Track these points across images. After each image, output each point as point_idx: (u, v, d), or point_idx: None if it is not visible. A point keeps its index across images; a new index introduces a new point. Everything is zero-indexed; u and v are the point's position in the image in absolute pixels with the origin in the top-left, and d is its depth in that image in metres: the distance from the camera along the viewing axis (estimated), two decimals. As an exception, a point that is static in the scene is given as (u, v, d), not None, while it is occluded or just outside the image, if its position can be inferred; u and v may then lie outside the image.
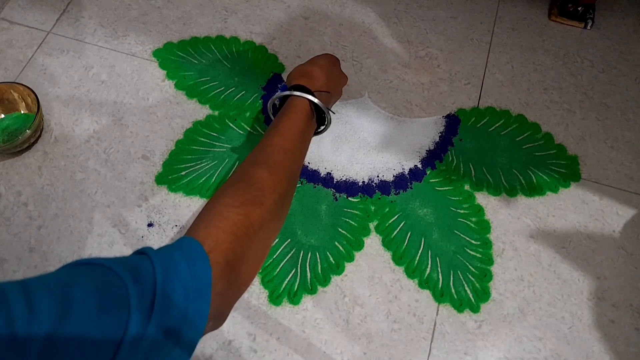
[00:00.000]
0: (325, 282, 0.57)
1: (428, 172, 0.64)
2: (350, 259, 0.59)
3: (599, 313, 0.56)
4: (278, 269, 0.58)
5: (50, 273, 0.27)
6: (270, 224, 0.41)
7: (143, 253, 0.32)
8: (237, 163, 0.64)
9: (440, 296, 0.57)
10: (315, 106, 0.52)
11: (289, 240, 0.60)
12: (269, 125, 0.51)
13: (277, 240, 0.60)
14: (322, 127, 0.57)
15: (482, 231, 0.61)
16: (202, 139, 0.66)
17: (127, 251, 0.59)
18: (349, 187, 0.63)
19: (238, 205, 0.38)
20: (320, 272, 0.58)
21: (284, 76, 0.72)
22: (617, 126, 0.69)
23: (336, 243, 0.60)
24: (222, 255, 0.34)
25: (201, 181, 0.63)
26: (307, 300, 0.57)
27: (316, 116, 0.53)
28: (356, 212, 0.62)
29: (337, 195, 0.63)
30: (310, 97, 0.51)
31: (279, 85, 0.71)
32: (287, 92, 0.52)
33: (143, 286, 0.28)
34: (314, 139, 0.69)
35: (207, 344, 0.54)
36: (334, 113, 0.57)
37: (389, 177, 0.64)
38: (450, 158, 0.65)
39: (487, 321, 0.56)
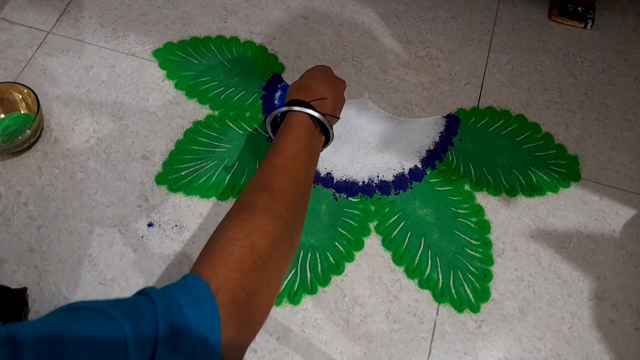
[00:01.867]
0: (325, 282, 0.57)
1: (428, 172, 0.64)
2: (350, 259, 0.59)
3: (599, 313, 0.56)
4: (278, 269, 0.58)
5: (43, 319, 0.25)
6: (280, 252, 0.38)
7: (145, 294, 0.30)
8: (237, 163, 0.64)
9: (440, 296, 0.57)
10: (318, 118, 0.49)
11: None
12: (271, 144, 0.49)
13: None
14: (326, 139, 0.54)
15: (482, 231, 0.61)
16: (202, 139, 0.66)
17: (127, 251, 0.59)
18: (349, 187, 0.63)
19: (242, 237, 0.36)
20: (320, 272, 0.58)
21: (284, 76, 0.72)
22: (617, 126, 0.69)
23: (336, 243, 0.60)
24: (230, 295, 0.32)
25: (201, 181, 0.63)
26: (307, 300, 0.57)
27: (321, 128, 0.50)
28: (356, 212, 0.62)
29: (337, 195, 0.63)
30: (307, 110, 0.48)
31: (279, 85, 0.71)
32: (284, 109, 0.49)
33: (143, 336, 0.26)
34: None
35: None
36: (338, 118, 0.54)
37: (389, 177, 0.64)
38: (450, 158, 0.65)
39: (487, 321, 0.56)
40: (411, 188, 0.63)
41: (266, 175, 0.42)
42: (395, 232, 0.60)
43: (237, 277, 0.33)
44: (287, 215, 0.39)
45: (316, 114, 0.48)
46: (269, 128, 0.54)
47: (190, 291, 0.30)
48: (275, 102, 0.69)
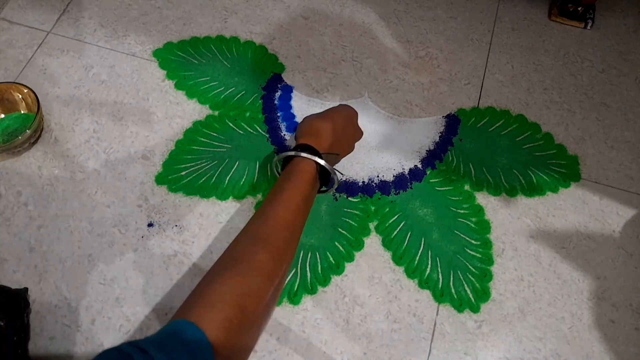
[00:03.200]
0: (325, 282, 0.57)
1: (428, 172, 0.64)
2: (350, 259, 0.59)
3: (599, 313, 0.56)
4: (278, 269, 0.58)
5: None
6: (267, 310, 0.39)
7: (145, 352, 0.30)
8: (237, 163, 0.64)
9: (440, 296, 0.57)
10: (322, 166, 0.49)
11: (289, 240, 0.60)
12: (273, 187, 0.48)
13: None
14: (326, 188, 0.54)
15: (482, 231, 0.61)
16: (202, 139, 0.66)
17: (127, 251, 0.59)
18: (348, 187, 0.63)
19: (235, 295, 0.36)
20: (320, 272, 0.58)
21: (284, 76, 0.72)
22: (617, 126, 0.69)
23: (336, 243, 0.60)
24: (215, 352, 0.33)
25: (201, 181, 0.63)
26: (307, 300, 0.57)
27: (321, 175, 0.50)
28: (356, 212, 0.62)
29: (337, 195, 0.63)
30: (317, 159, 0.48)
31: (279, 85, 0.71)
32: (294, 153, 0.49)
33: None
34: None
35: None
36: (342, 175, 0.52)
37: (389, 177, 0.64)
38: (450, 158, 0.65)
39: (487, 321, 0.56)
40: (411, 188, 0.63)
41: (268, 226, 0.43)
42: (395, 232, 0.60)
43: (221, 337, 0.33)
44: (280, 275, 0.40)
45: (328, 167, 0.49)
46: (276, 170, 0.54)
47: (190, 344, 0.31)
48: (275, 102, 0.69)
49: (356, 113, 0.59)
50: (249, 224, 0.44)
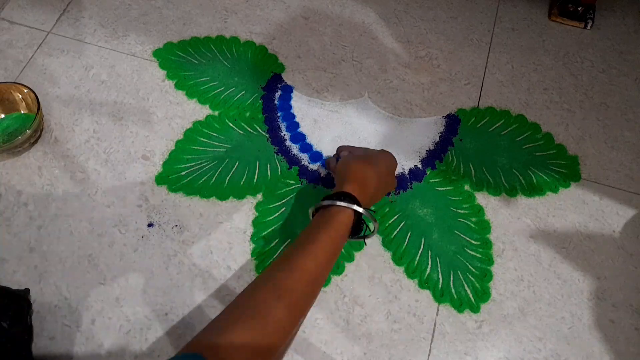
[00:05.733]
0: (325, 282, 0.57)
1: (428, 172, 0.64)
2: (350, 259, 0.59)
3: (599, 313, 0.56)
4: (278, 269, 0.58)
5: None
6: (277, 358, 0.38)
7: None
8: (237, 163, 0.64)
9: (440, 296, 0.57)
10: (357, 216, 0.46)
11: (289, 240, 0.60)
12: (305, 231, 0.45)
13: (277, 240, 0.60)
14: (358, 236, 0.50)
15: (482, 231, 0.61)
16: (202, 139, 0.66)
17: (127, 251, 0.59)
18: (349, 187, 0.63)
19: (248, 351, 0.35)
20: (320, 272, 0.58)
21: (284, 76, 0.72)
22: (617, 126, 0.69)
23: (336, 243, 0.60)
24: None
25: (201, 181, 0.63)
26: (307, 300, 0.57)
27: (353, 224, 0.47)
28: (356, 212, 0.62)
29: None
30: (360, 210, 0.45)
31: (279, 85, 0.71)
32: (338, 203, 0.45)
33: None
34: (316, 140, 0.69)
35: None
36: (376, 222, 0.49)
37: (389, 177, 0.64)
38: (450, 158, 0.65)
39: (487, 321, 0.56)
40: (411, 188, 0.63)
41: (293, 279, 0.40)
42: (395, 232, 0.60)
43: None
44: (295, 330, 0.39)
45: (371, 219, 0.46)
46: (310, 215, 0.50)
47: None
48: (275, 102, 0.69)
49: (397, 163, 0.56)
50: (273, 269, 0.41)
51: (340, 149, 0.60)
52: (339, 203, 0.46)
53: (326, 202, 0.46)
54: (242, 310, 0.37)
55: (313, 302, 0.42)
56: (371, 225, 0.50)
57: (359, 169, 0.50)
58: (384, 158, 0.54)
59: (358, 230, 0.49)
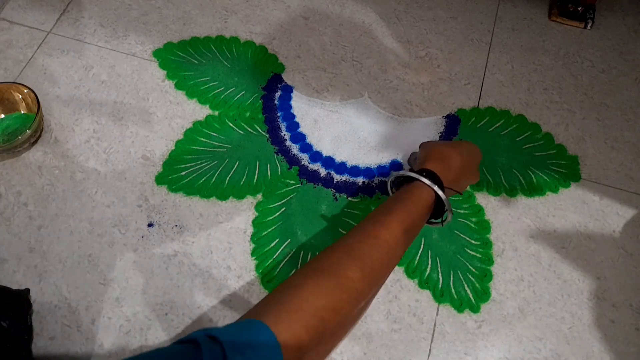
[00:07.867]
0: (325, 282, 0.57)
1: (428, 172, 0.64)
2: (350, 259, 0.59)
3: (599, 313, 0.56)
4: (278, 269, 0.58)
5: None
6: (344, 329, 0.37)
7: (215, 339, 0.29)
8: (237, 163, 0.64)
9: (440, 296, 0.57)
10: (438, 199, 0.45)
11: (289, 240, 0.60)
12: (381, 206, 0.43)
13: (277, 240, 0.60)
14: (435, 221, 0.49)
15: (482, 231, 0.61)
16: (202, 139, 0.66)
17: (127, 251, 0.59)
18: (348, 187, 0.63)
19: (317, 306, 0.33)
20: (320, 272, 0.58)
21: (284, 76, 0.72)
22: (617, 126, 0.69)
23: (336, 243, 0.60)
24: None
25: (201, 181, 0.63)
26: (307, 300, 0.57)
27: (435, 207, 0.46)
28: (356, 212, 0.62)
29: (337, 195, 0.63)
30: (440, 192, 0.44)
31: (279, 85, 0.71)
32: (417, 176, 0.44)
33: None
34: (316, 140, 0.69)
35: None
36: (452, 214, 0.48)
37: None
38: (450, 158, 0.65)
39: (487, 321, 0.56)
40: (411, 188, 0.63)
41: (368, 244, 0.39)
42: (395, 232, 0.60)
43: (295, 345, 0.31)
44: (368, 296, 0.37)
45: (447, 202, 0.44)
46: (390, 187, 0.48)
47: (257, 344, 0.30)
48: (275, 102, 0.69)
49: (481, 156, 0.54)
50: (346, 237, 0.40)
51: (421, 145, 0.57)
52: (409, 173, 0.44)
53: (409, 174, 0.45)
54: (313, 271, 0.36)
55: (388, 274, 0.41)
56: (446, 215, 0.48)
57: (440, 149, 0.49)
58: (469, 146, 0.53)
59: (439, 213, 0.47)
